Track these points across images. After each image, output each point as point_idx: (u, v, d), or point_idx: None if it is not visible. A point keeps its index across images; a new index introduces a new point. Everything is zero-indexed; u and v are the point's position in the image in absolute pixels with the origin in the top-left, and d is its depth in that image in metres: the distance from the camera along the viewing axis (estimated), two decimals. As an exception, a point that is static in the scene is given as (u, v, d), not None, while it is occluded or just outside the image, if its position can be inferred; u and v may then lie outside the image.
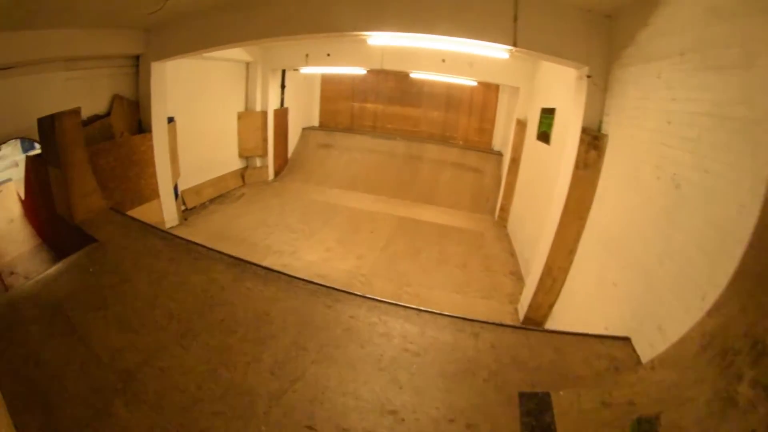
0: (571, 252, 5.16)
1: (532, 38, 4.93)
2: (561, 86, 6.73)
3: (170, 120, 8.81)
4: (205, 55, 8.96)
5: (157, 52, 7.68)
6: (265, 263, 7.06)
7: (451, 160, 12.29)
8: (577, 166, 4.97)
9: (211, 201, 10.77)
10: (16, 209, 10.19)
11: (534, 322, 5.68)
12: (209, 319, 3.90)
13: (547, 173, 6.88)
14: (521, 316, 6.02)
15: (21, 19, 5.58)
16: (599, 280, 4.41)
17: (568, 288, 5.26)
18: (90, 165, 6.20)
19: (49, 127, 5.63)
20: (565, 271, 5.27)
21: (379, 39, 6.10)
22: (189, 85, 9.60)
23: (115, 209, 6.43)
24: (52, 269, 5.36)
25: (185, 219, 9.50)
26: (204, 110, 10.23)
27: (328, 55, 10.42)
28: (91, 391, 2.94)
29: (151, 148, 8.18)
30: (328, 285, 4.43)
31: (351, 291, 4.31)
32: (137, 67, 8.04)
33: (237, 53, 10.30)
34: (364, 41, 6.55)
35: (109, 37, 7.06)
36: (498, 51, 5.67)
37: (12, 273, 8.32)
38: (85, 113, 7.37)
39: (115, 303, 4.13)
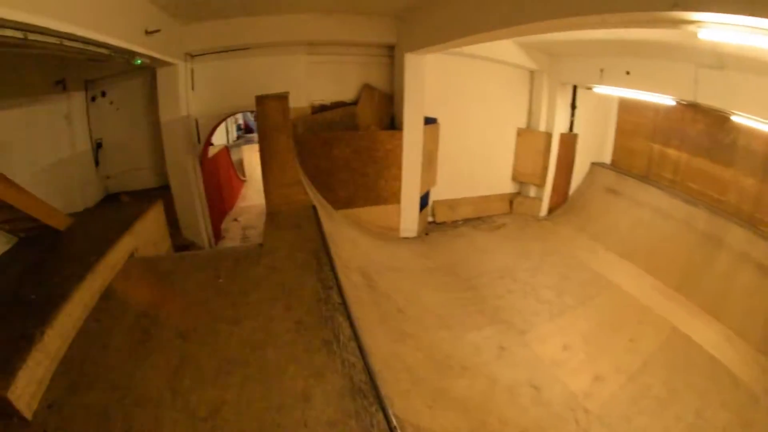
0: None
1: None
2: None
3: (431, 121, 7.58)
4: (481, 54, 7.52)
5: (410, 42, 6.47)
6: (479, 334, 5.35)
7: (756, 258, 7.71)
8: None
9: (465, 221, 9.20)
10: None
11: None
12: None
13: None
14: None
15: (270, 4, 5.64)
16: None
17: None
18: (295, 155, 5.37)
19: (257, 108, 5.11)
20: None
21: (718, 32, 3.17)
22: (459, 87, 8.27)
23: (315, 209, 5.41)
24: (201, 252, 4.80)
25: (426, 233, 8.25)
26: (476, 117, 8.77)
27: (628, 73, 7.51)
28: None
29: (399, 147, 7.10)
30: None
31: None
32: (393, 57, 7.11)
33: (519, 57, 8.43)
34: (678, 55, 4.94)
35: (357, 24, 6.41)
36: None
37: (235, 219, 8.82)
38: (329, 98, 6.90)
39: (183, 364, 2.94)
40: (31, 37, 3.13)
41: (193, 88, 6.28)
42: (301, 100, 6.73)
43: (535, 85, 9.16)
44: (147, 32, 4.59)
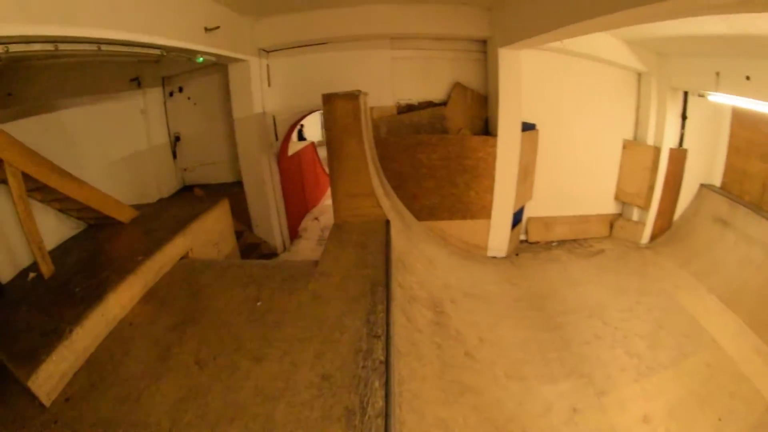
0: None
1: None
2: None
3: (530, 127, 6.66)
4: (582, 51, 6.51)
5: (504, 34, 5.57)
6: (554, 389, 4.43)
7: None
8: None
9: (560, 243, 8.16)
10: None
11: None
12: None
13: None
14: None
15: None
16: None
17: None
18: (369, 161, 4.75)
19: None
20: None
21: None
22: (559, 88, 7.24)
23: (389, 225, 4.74)
24: (251, 263, 4.44)
25: (516, 254, 7.36)
26: (578, 125, 7.67)
27: (748, 78, 5.86)
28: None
29: (492, 155, 6.25)
30: None
31: None
32: (486, 53, 6.24)
33: (625, 56, 7.15)
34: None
35: (444, 15, 5.68)
36: None
37: (316, 218, 8.59)
38: (417, 97, 6.26)
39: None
40: (63, 47, 2.97)
41: (269, 85, 6.05)
42: (385, 99, 6.19)
43: (642, 91, 7.86)
44: (206, 30, 4.41)
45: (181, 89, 6.26)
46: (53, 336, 2.76)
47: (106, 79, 5.26)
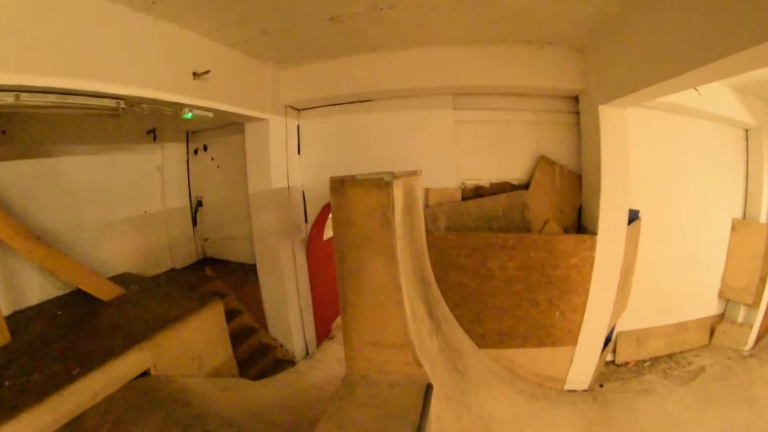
0: None
1: None
2: None
3: (633, 216, 5.11)
4: (684, 103, 4.96)
5: (604, 86, 4.19)
6: None
7: None
8: None
9: (653, 362, 6.36)
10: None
11: None
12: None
13: None
14: None
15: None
16: None
17: None
18: (407, 291, 3.17)
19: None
20: None
21: None
22: (661, 160, 5.65)
23: (428, 396, 3.01)
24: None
25: (600, 385, 5.65)
26: (681, 205, 5.95)
27: None
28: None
29: (588, 262, 4.70)
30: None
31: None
32: (579, 114, 4.89)
33: (731, 106, 5.55)
34: None
35: (522, 60, 4.40)
36: None
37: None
38: (488, 176, 5.01)
39: None
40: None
41: (299, 152, 5.19)
42: (446, 178, 5.00)
43: (752, 151, 6.27)
44: (195, 75, 3.63)
45: (206, 148, 5.70)
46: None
47: (116, 127, 4.89)
